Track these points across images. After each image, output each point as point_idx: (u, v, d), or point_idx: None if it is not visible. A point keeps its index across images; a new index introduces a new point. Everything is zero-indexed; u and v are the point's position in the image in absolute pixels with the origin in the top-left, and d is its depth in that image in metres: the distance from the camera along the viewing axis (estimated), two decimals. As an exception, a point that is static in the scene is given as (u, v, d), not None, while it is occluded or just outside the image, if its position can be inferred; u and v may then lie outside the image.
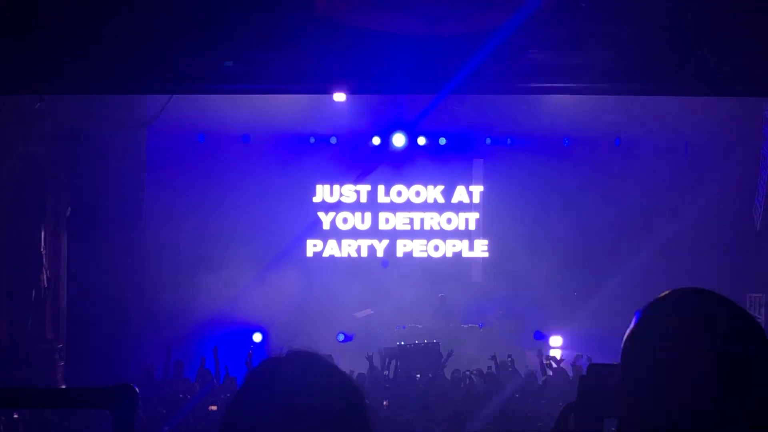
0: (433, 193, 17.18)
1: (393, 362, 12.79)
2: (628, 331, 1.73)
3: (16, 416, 9.29)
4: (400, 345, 13.51)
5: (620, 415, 1.70)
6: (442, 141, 16.86)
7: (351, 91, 12.63)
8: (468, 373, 12.53)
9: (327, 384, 1.86)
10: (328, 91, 12.45)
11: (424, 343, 13.69)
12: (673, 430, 1.62)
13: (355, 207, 17.17)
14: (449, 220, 17.20)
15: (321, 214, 17.05)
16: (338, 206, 17.09)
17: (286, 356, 1.90)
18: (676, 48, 9.05)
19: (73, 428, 9.44)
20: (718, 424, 1.59)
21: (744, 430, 1.59)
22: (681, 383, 1.62)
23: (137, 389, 2.07)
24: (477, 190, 17.20)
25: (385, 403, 10.99)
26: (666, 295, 1.73)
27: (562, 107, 15.35)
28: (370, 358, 12.60)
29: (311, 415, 1.79)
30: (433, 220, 17.21)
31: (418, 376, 12.28)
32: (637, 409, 1.66)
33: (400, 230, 17.15)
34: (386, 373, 12.53)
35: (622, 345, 1.73)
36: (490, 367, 12.37)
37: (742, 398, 1.59)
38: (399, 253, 17.11)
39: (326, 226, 17.05)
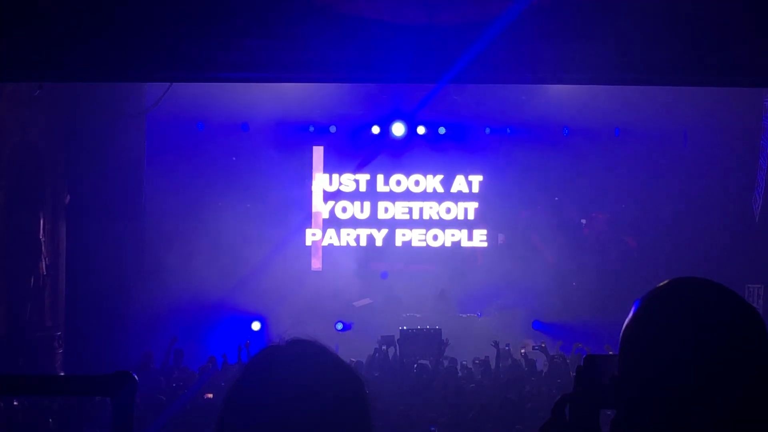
0: (433, 182, 17.18)
1: (392, 349, 12.83)
2: (627, 320, 1.72)
3: (16, 403, 9.31)
4: (402, 330, 13.53)
5: (618, 404, 1.70)
6: (442, 130, 16.84)
7: (350, 80, 12.61)
8: (466, 363, 12.57)
9: (327, 372, 1.86)
10: (328, 80, 12.43)
11: (426, 328, 13.71)
12: (672, 420, 1.62)
13: (354, 196, 17.16)
14: (448, 210, 17.20)
15: (320, 203, 17.04)
16: (337, 195, 17.09)
17: (285, 345, 1.90)
18: (676, 38, 9.03)
19: (72, 415, 9.46)
20: (718, 415, 1.59)
21: (745, 421, 1.59)
22: (680, 373, 1.61)
23: (136, 377, 2.08)
24: (476, 179, 17.19)
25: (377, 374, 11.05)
26: (665, 284, 1.73)
27: (562, 97, 15.34)
28: (377, 349, 12.68)
29: (311, 403, 1.79)
30: (432, 210, 17.21)
31: (415, 365, 12.30)
32: (635, 399, 1.66)
33: (399, 219, 17.15)
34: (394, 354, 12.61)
35: (621, 334, 1.72)
36: (486, 357, 12.40)
37: (742, 388, 1.59)
38: (398, 243, 17.11)
39: (325, 215, 17.05)
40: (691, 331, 1.63)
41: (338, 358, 1.91)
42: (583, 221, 16.67)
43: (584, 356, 1.93)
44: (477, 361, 12.46)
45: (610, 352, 1.97)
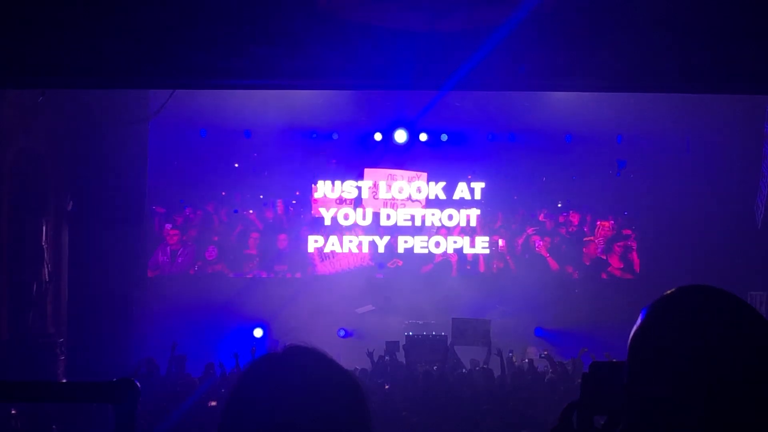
0: (435, 189, 17.17)
1: (397, 356, 12.85)
2: (634, 328, 1.72)
3: (14, 412, 9.30)
4: (408, 335, 13.54)
5: (626, 411, 1.70)
6: (444, 137, 16.85)
7: (353, 87, 12.63)
8: (465, 372, 12.54)
9: (323, 378, 1.85)
10: (331, 87, 12.46)
11: (432, 335, 13.72)
12: (680, 427, 1.61)
13: (357, 203, 17.16)
14: (450, 217, 17.19)
15: (322, 210, 17.05)
16: (340, 202, 17.09)
17: (283, 351, 1.89)
18: (678, 45, 9.04)
19: (72, 423, 9.45)
20: (725, 421, 1.58)
21: (752, 427, 1.58)
22: (688, 380, 1.61)
23: (138, 384, 2.07)
24: (478, 186, 17.19)
25: (386, 387, 11.03)
26: (672, 292, 1.72)
27: (564, 104, 15.34)
28: (370, 354, 12.62)
29: (308, 410, 1.78)
30: (434, 217, 17.20)
31: (421, 372, 12.28)
32: (643, 406, 1.65)
33: (401, 226, 17.14)
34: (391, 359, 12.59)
35: (629, 342, 1.72)
36: (486, 364, 12.38)
37: (750, 394, 1.58)
38: (400, 249, 17.10)
39: (327, 221, 17.05)
40: (700, 339, 1.63)
41: (335, 364, 1.90)
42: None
43: (589, 364, 1.92)
44: (478, 368, 12.44)
45: (613, 360, 1.96)
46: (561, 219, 17.21)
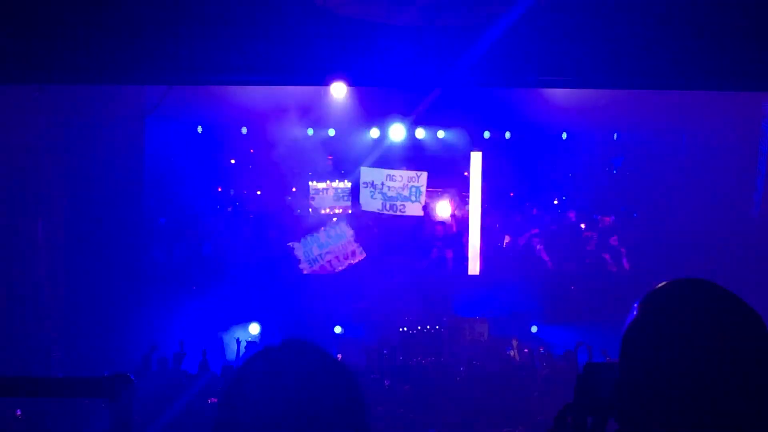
0: (431, 185, 17.16)
1: (392, 352, 12.87)
2: (626, 322, 1.72)
3: (19, 413, 9.31)
4: (402, 331, 13.57)
5: (619, 406, 1.70)
6: (441, 134, 16.84)
7: (350, 83, 12.62)
8: (462, 368, 12.57)
9: (320, 371, 1.86)
10: (327, 83, 12.47)
11: (427, 329, 13.75)
12: (672, 421, 1.61)
13: (353, 199, 17.13)
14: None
15: (318, 207, 17.03)
16: (336, 199, 17.06)
17: (279, 346, 1.90)
18: (674, 42, 9.05)
19: (68, 419, 9.44)
20: (717, 415, 1.58)
21: (744, 420, 1.58)
22: (680, 373, 1.61)
23: (133, 378, 2.07)
24: (475, 183, 17.17)
25: (386, 383, 11.06)
26: (663, 285, 1.72)
27: (561, 100, 15.33)
28: (367, 350, 12.64)
29: (306, 403, 1.79)
30: (430, 214, 17.19)
31: (415, 367, 12.30)
32: (635, 400, 1.65)
33: (397, 223, 17.12)
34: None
35: (621, 336, 1.72)
36: (483, 361, 12.41)
37: (742, 388, 1.58)
38: (395, 246, 17.08)
39: (323, 218, 17.02)
40: (690, 332, 1.62)
41: (332, 357, 1.91)
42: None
43: (584, 365, 1.92)
44: (476, 362, 12.47)
45: (608, 358, 1.97)
46: (557, 216, 17.22)
